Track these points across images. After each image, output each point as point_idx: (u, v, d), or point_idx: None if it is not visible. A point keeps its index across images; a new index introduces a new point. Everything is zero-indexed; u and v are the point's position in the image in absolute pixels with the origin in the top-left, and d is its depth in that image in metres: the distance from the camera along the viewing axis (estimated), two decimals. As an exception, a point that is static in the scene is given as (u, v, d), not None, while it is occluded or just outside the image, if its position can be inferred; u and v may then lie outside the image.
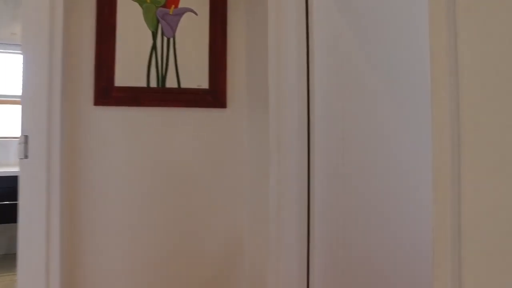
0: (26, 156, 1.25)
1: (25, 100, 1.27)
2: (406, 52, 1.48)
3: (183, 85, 1.50)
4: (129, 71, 1.44)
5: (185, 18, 1.49)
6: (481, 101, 0.41)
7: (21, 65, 1.26)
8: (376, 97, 1.42)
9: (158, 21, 1.46)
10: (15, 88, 2.85)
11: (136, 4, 1.43)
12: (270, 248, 1.34)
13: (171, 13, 1.47)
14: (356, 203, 1.36)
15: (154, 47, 1.46)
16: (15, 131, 2.74)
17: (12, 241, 2.63)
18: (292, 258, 1.31)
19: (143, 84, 1.45)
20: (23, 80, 1.25)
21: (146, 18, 1.45)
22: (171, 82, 1.49)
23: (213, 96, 1.53)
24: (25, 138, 1.25)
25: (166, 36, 1.48)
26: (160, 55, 1.47)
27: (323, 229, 1.32)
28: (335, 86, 1.36)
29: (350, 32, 1.38)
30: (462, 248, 0.42)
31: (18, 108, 2.49)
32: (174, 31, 1.49)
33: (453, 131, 0.43)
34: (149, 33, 1.45)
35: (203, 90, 1.52)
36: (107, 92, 1.40)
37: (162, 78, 1.47)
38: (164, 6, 1.46)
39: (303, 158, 1.34)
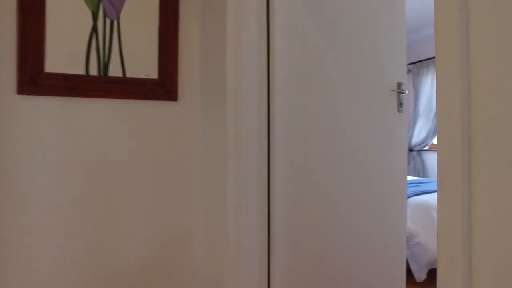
0: None
1: None
2: (368, 47, 1.47)
3: (128, 74, 1.34)
4: (64, 55, 1.23)
5: (131, -1, 1.33)
6: (497, 87, 0.36)
7: None
8: (338, 92, 1.39)
9: (99, 0, 1.28)
10: None
11: (72, -22, 1.23)
12: (229, 251, 1.25)
13: (114, -9, 1.30)
14: (319, 202, 1.32)
15: (94, 30, 1.27)
16: None
17: None
18: (253, 261, 1.23)
19: (81, 71, 1.26)
20: None
21: (85, -5, 1.26)
22: (114, 71, 1.31)
23: (163, 87, 1.39)
24: None
25: (109, 18, 1.30)
26: (102, 39, 1.28)
27: (285, 229, 1.26)
28: (296, 80, 1.30)
29: (313, 24, 1.33)
30: (473, 255, 0.37)
31: None
32: (118, 12, 1.31)
33: (464, 124, 0.37)
34: (88, 13, 1.26)
35: (152, 81, 1.37)
36: (35, 79, 1.19)
37: (104, 66, 1.29)
38: (106, -17, 1.28)
39: (263, 156, 1.27)
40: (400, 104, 1.55)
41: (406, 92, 1.56)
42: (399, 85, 1.55)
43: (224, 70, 1.26)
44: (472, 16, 0.36)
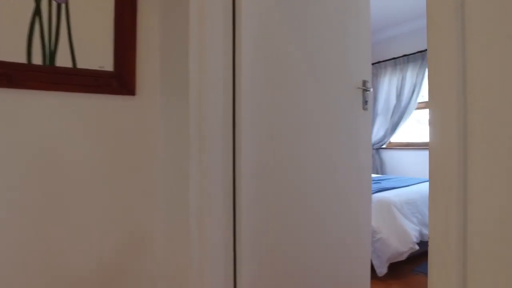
0: None
1: None
2: (334, 44, 1.46)
3: (80, 65, 1.21)
4: None
5: (82, -19, 1.20)
6: (497, 78, 0.32)
7: None
8: (305, 88, 1.36)
9: (43, -20, 1.14)
10: None
11: (11, -47, 1.09)
12: (192, 256, 1.17)
13: (62, -28, 1.16)
14: (286, 201, 1.28)
15: (37, 13, 1.13)
16: None
17: None
18: (218, 267, 1.16)
19: (21, 59, 1.11)
20: None
21: (26, -26, 1.11)
22: (63, 60, 1.18)
23: (119, 80, 1.28)
24: None
25: (55, 1, 1.16)
26: (47, 24, 1.15)
27: (251, 230, 1.20)
28: (263, 76, 1.25)
29: (280, 19, 1.29)
30: (468, 259, 0.34)
31: None
32: (66, -5, 1.18)
33: (459, 118, 0.33)
34: (30, -7, 1.12)
35: (107, 73, 1.25)
36: (-35, 67, 1.03)
37: (50, 54, 1.15)
38: (52, -39, 1.15)
39: (228, 154, 1.20)
40: (365, 102, 1.56)
41: (371, 89, 1.57)
42: (364, 82, 1.55)
43: (187, 63, 1.18)
44: (469, -3, 0.33)
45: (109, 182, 1.26)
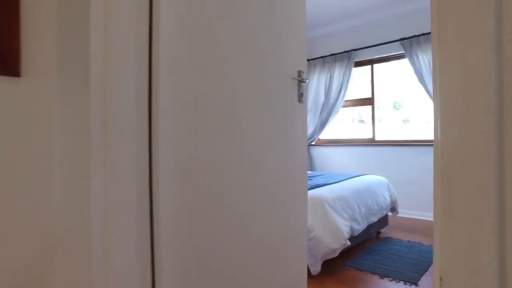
0: None
1: None
2: (269, 29, 1.31)
3: None
4: None
5: None
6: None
7: None
8: (236, 76, 1.18)
9: None
10: None
11: None
12: (96, 277, 0.92)
13: None
14: (211, 206, 1.10)
15: None
16: None
17: None
18: (131, 280, 0.93)
19: None
20: None
21: None
22: None
23: (-5, 55, 0.97)
24: None
25: None
26: None
27: (172, 242, 1.00)
28: (186, 56, 1.05)
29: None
30: None
31: None
32: None
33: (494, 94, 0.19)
34: None
35: (-26, 44, 0.94)
36: None
37: None
38: None
39: (143, 151, 0.98)
40: (300, 94, 1.45)
41: (307, 81, 1.47)
42: (300, 73, 1.44)
43: (87, 34, 0.93)
44: None
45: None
